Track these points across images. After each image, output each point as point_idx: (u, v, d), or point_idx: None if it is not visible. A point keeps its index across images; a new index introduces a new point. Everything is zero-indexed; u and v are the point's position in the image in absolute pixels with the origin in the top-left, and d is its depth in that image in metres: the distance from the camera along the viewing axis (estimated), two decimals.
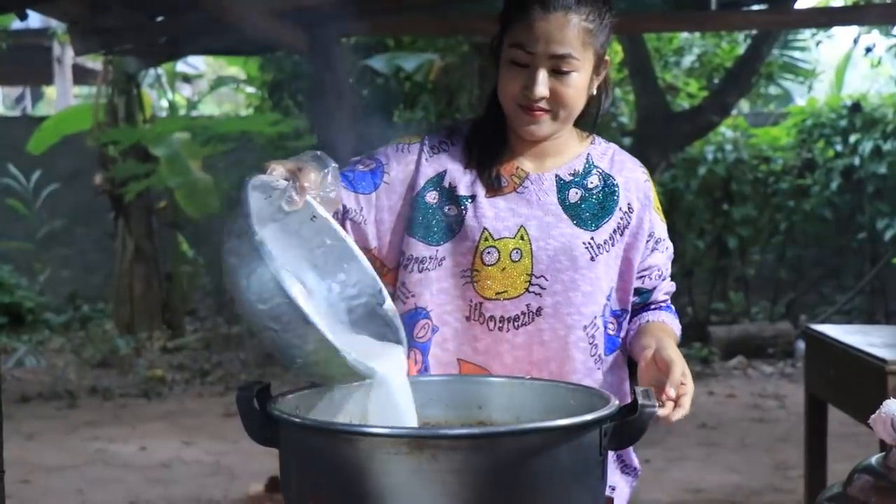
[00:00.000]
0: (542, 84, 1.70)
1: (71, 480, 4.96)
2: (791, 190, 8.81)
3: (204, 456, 5.37)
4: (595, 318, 1.77)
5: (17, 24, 8.85)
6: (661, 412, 1.49)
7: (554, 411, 1.47)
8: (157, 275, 8.70)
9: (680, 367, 1.61)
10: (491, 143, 1.80)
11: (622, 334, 1.84)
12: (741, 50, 8.29)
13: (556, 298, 1.75)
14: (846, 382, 3.56)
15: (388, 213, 1.78)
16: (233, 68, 10.96)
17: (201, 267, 9.46)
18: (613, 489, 1.82)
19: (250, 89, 9.63)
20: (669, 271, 1.90)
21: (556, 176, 1.80)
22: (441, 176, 1.79)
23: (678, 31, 8.14)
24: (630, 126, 8.41)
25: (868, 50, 7.97)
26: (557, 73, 1.70)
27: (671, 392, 1.55)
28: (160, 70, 9.15)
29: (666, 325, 1.84)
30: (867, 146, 8.50)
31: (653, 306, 1.89)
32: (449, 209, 1.77)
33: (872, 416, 1.31)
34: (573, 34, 1.70)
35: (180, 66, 10.71)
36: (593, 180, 1.81)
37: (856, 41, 8.59)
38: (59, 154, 9.10)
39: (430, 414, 1.55)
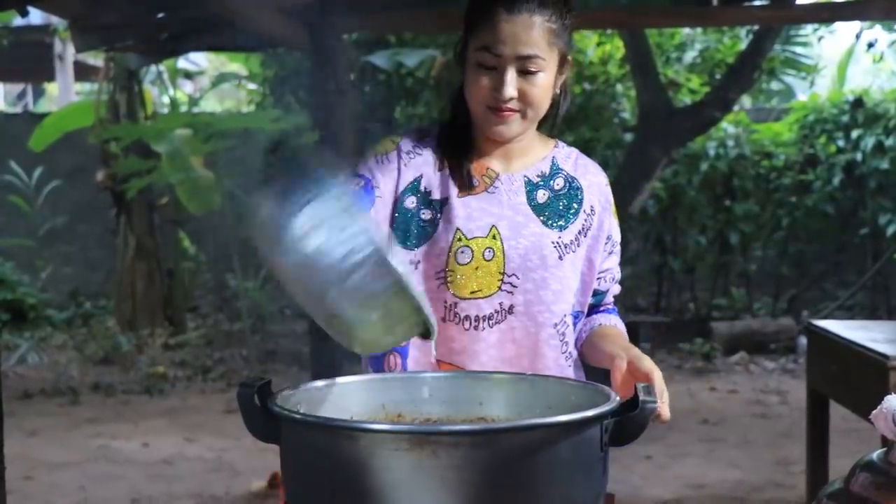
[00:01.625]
0: (511, 85, 1.73)
1: (73, 477, 4.97)
2: (793, 185, 8.81)
3: (206, 452, 5.38)
4: (565, 316, 1.82)
5: (18, 21, 8.85)
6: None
7: (555, 407, 1.47)
8: (158, 271, 8.70)
9: (660, 376, 1.67)
10: (461, 144, 1.83)
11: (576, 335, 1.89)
12: (743, 45, 8.28)
13: (528, 297, 1.78)
14: (848, 378, 3.56)
15: (384, 225, 1.80)
16: (234, 65, 10.96)
17: (203, 264, 9.48)
18: None
19: (252, 86, 9.63)
20: (619, 275, 1.95)
21: (525, 177, 1.85)
22: (418, 180, 1.81)
23: (680, 26, 8.12)
24: (632, 122, 8.41)
25: (870, 45, 7.95)
26: (524, 73, 1.74)
27: (661, 404, 1.61)
28: (161, 67, 9.15)
29: (618, 329, 1.90)
30: (869, 142, 8.49)
31: (601, 308, 1.94)
32: (424, 213, 1.80)
33: (874, 411, 1.31)
34: (538, 35, 1.72)
35: (181, 63, 10.71)
36: (559, 182, 1.86)
37: (858, 36, 8.58)
38: (60, 151, 9.11)
39: (431, 410, 1.55)
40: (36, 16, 9.52)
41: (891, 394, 1.33)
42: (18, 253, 9.54)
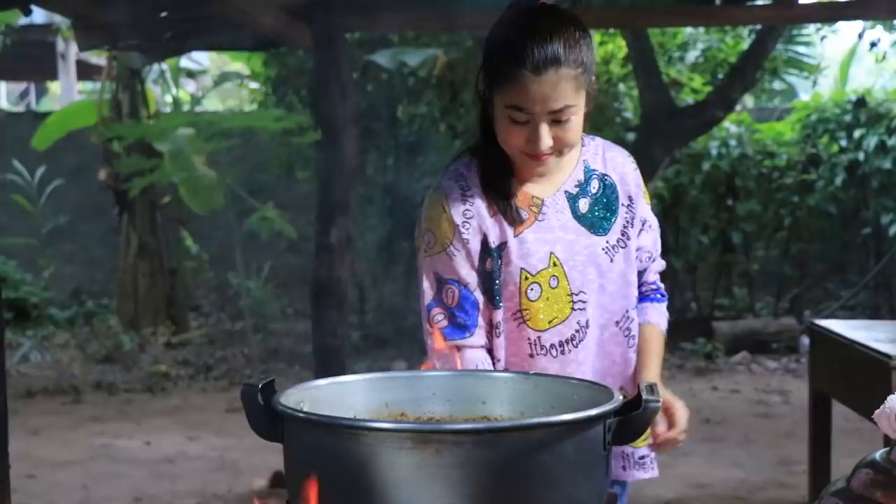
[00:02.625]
0: (546, 138, 1.76)
1: (76, 475, 4.97)
2: (795, 185, 8.80)
3: (208, 451, 5.38)
4: (627, 311, 1.88)
5: (21, 20, 8.85)
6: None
7: (558, 406, 1.47)
8: (161, 270, 8.71)
9: (683, 413, 1.81)
10: (502, 182, 1.85)
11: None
12: (746, 45, 8.27)
13: (595, 306, 1.85)
14: (850, 378, 3.56)
15: (485, 305, 1.84)
16: (237, 64, 10.96)
17: (205, 262, 9.48)
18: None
19: (254, 85, 9.63)
20: (659, 251, 1.99)
21: (565, 192, 1.87)
22: (485, 240, 1.83)
23: (682, 25, 8.11)
24: (634, 121, 8.40)
25: (873, 45, 7.95)
26: (558, 122, 1.75)
27: (678, 436, 1.80)
28: (164, 66, 9.16)
29: (658, 330, 1.95)
30: (872, 141, 8.48)
31: (646, 292, 1.99)
32: (489, 264, 1.83)
33: (877, 411, 1.31)
34: (566, 87, 1.73)
35: (184, 62, 10.71)
36: (595, 185, 1.89)
37: (860, 36, 8.56)
38: (63, 150, 9.11)
39: (434, 409, 1.55)
40: (39, 15, 9.53)
41: (893, 393, 1.33)
42: (21, 252, 9.54)
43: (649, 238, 1.95)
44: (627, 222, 1.89)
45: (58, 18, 9.66)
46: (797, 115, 9.12)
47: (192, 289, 9.46)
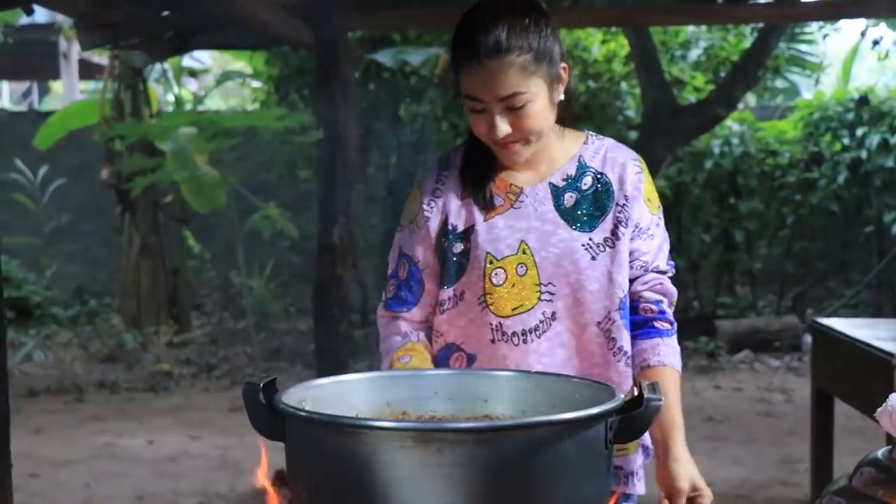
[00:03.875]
0: (501, 125, 1.76)
1: (78, 474, 4.98)
2: (798, 183, 8.79)
3: (211, 450, 5.38)
4: (609, 313, 1.82)
5: (23, 19, 8.86)
6: None
7: (559, 405, 1.47)
8: (163, 269, 8.72)
9: (685, 486, 1.79)
10: (481, 167, 1.86)
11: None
12: (748, 43, 8.26)
13: (567, 301, 1.81)
14: (853, 376, 3.56)
15: (433, 283, 1.87)
16: (239, 63, 10.97)
17: (207, 261, 9.48)
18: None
19: (256, 84, 9.63)
20: (658, 262, 1.88)
21: (550, 184, 1.86)
22: (445, 221, 1.86)
23: (685, 24, 8.11)
24: (636, 120, 8.39)
25: (875, 43, 7.93)
26: (512, 109, 1.75)
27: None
28: (166, 65, 9.15)
29: (673, 378, 1.82)
30: (874, 139, 8.48)
31: (647, 314, 1.86)
32: (457, 246, 1.84)
33: (879, 409, 1.31)
34: (513, 73, 1.73)
35: (186, 61, 10.71)
36: (587, 181, 1.87)
37: (863, 34, 8.54)
38: (65, 149, 9.12)
39: (436, 408, 1.55)
40: (41, 14, 9.53)
41: (895, 392, 1.33)
42: (24, 251, 9.55)
43: (645, 246, 1.86)
44: (619, 223, 1.84)
45: (60, 18, 9.67)
46: (799, 113, 9.12)
47: (195, 288, 9.47)
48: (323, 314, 5.54)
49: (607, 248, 1.83)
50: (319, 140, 5.87)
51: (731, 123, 8.71)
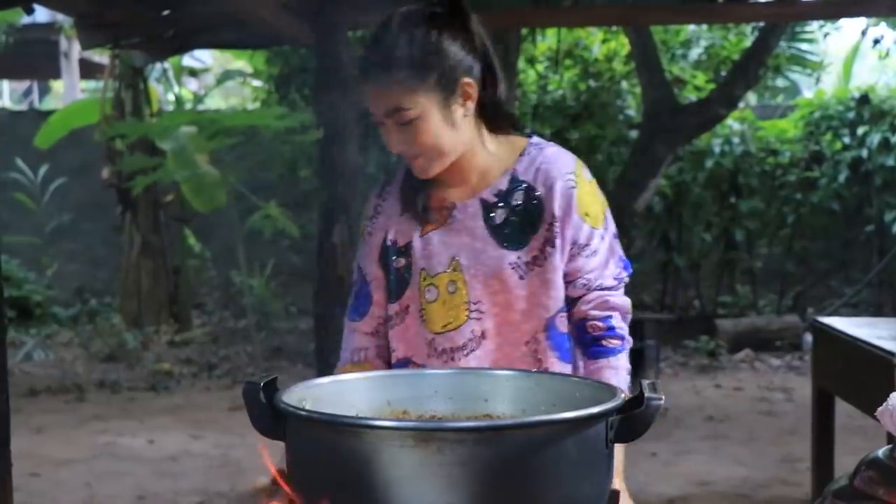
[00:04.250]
0: (394, 140, 1.76)
1: (79, 473, 4.98)
2: (799, 182, 8.79)
3: (211, 449, 5.39)
4: (536, 334, 1.79)
5: (24, 19, 8.86)
6: None
7: (560, 404, 1.47)
8: (164, 269, 8.72)
9: None
10: (417, 183, 1.85)
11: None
12: (748, 42, 8.26)
13: (496, 320, 1.79)
14: (854, 375, 3.56)
15: (381, 295, 1.89)
16: (239, 62, 10.97)
17: (208, 261, 9.49)
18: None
19: (257, 83, 9.64)
20: (602, 280, 1.81)
21: (481, 199, 1.83)
22: (385, 238, 1.86)
23: (685, 23, 8.11)
24: (637, 119, 8.40)
25: (876, 42, 7.93)
26: (403, 124, 1.73)
27: None
28: (167, 64, 9.16)
29: None
30: (875, 138, 8.48)
31: (595, 333, 1.80)
32: (398, 262, 1.84)
33: (879, 408, 1.30)
34: (395, 90, 1.72)
35: (187, 60, 10.72)
36: (518, 197, 1.81)
37: (864, 33, 8.54)
38: (66, 148, 9.12)
39: (436, 407, 1.55)
40: (42, 13, 9.54)
41: None
42: (24, 250, 9.55)
43: (588, 264, 1.79)
44: (548, 242, 1.77)
45: (60, 17, 9.67)
46: (800, 112, 9.12)
47: (195, 287, 9.47)
48: (324, 313, 5.54)
49: (535, 268, 1.78)
50: (320, 139, 5.86)
51: (732, 122, 8.71)
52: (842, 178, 8.62)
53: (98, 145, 8.63)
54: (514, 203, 1.80)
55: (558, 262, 1.78)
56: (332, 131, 5.46)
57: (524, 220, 1.80)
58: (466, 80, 1.75)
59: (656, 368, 6.68)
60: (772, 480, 4.75)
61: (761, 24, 7.49)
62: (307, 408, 1.38)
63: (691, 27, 8.71)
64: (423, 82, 1.71)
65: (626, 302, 1.83)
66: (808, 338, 7.04)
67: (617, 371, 1.78)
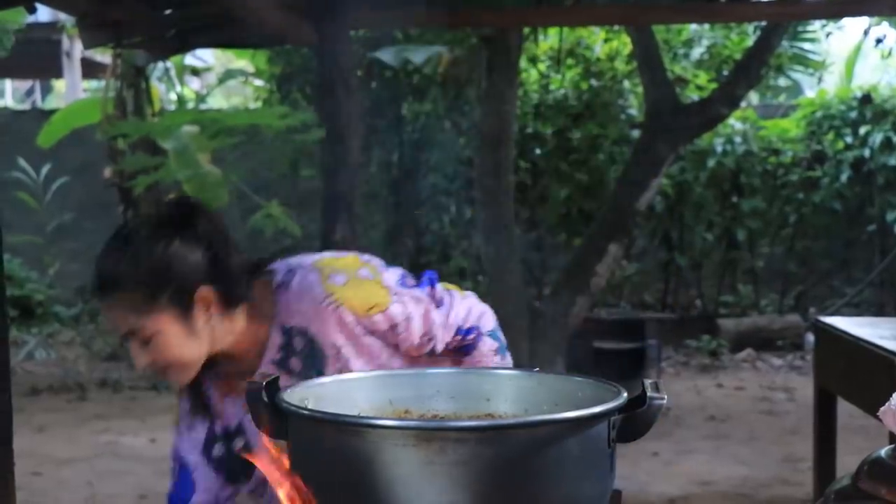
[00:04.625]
0: (138, 357, 1.72)
1: (81, 472, 4.98)
2: (801, 182, 8.79)
3: None
4: None
5: (26, 18, 8.86)
6: None
7: (562, 404, 1.47)
8: None
9: None
10: (194, 387, 1.84)
11: None
12: (751, 41, 8.25)
13: None
14: (856, 375, 3.55)
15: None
16: (241, 61, 10.97)
17: None
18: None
19: (259, 82, 9.64)
20: (443, 333, 1.81)
21: (272, 361, 1.79)
22: (211, 427, 1.87)
23: (687, 22, 8.11)
24: (639, 118, 8.39)
25: (878, 41, 7.92)
26: (144, 343, 1.70)
27: None
28: (169, 63, 9.16)
29: None
30: (877, 138, 8.47)
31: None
32: (235, 444, 1.83)
33: (881, 408, 1.30)
34: (124, 314, 1.69)
35: (189, 60, 10.71)
36: (298, 343, 1.79)
37: (866, 32, 8.55)
38: (68, 147, 9.13)
39: (438, 406, 1.55)
40: (44, 13, 9.54)
41: None
42: (26, 249, 9.56)
43: (413, 332, 1.78)
44: (344, 368, 1.76)
45: (63, 16, 9.67)
46: (802, 111, 9.11)
47: None
48: None
49: None
50: (321, 138, 5.87)
51: (734, 122, 8.70)
52: (844, 177, 8.61)
53: (100, 144, 8.63)
54: (299, 349, 1.79)
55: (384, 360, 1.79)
56: (334, 130, 5.46)
57: (316, 360, 1.78)
58: (202, 288, 1.70)
59: (658, 368, 6.68)
60: (773, 480, 4.75)
61: (763, 23, 7.48)
62: (309, 407, 1.38)
63: (693, 26, 8.70)
64: (155, 303, 1.67)
65: (473, 312, 1.85)
66: (810, 337, 7.04)
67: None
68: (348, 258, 1.84)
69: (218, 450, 1.83)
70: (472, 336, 1.85)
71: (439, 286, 1.86)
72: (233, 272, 1.73)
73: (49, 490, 4.71)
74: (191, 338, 1.70)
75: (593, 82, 8.51)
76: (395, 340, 1.79)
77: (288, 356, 1.79)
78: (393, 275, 1.83)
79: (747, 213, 8.69)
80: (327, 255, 1.84)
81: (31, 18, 5.91)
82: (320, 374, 1.76)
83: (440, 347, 1.82)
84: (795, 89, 11.06)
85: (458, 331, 1.83)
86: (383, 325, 1.78)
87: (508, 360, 1.86)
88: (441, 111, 8.36)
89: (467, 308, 1.85)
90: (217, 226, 1.74)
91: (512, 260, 6.44)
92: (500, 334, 1.89)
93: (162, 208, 1.76)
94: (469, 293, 1.91)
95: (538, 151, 8.43)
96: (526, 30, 7.42)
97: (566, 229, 8.51)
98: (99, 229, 9.89)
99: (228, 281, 1.72)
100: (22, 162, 9.83)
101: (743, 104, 8.50)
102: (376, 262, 1.86)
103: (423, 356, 1.82)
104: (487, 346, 1.85)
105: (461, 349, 1.85)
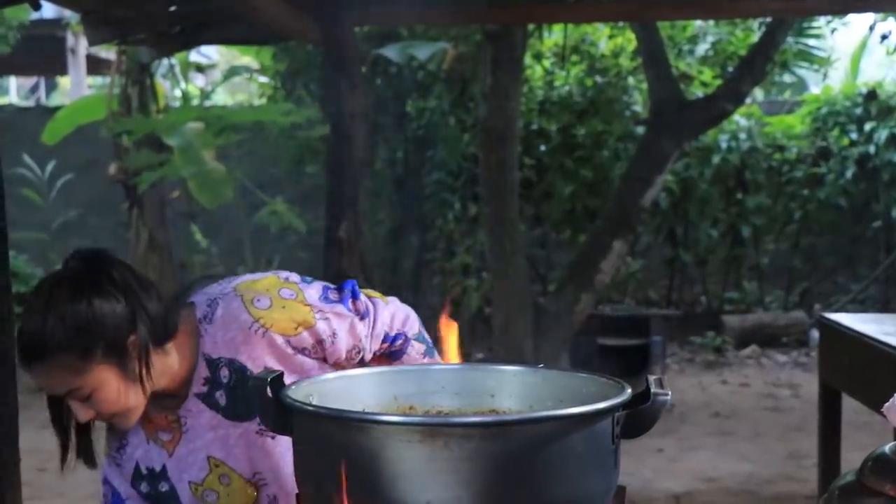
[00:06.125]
0: (80, 412, 1.71)
1: (86, 469, 4.99)
2: (805, 178, 8.78)
3: None
4: None
5: (31, 15, 8.87)
6: None
7: (566, 400, 1.47)
8: (170, 264, 8.72)
9: None
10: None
11: None
12: (755, 38, 8.24)
13: (279, 480, 1.80)
14: (860, 371, 3.55)
15: None
16: (246, 58, 10.96)
17: (214, 256, 9.50)
18: None
19: (263, 79, 9.64)
20: (370, 343, 1.83)
21: (196, 394, 1.79)
22: (137, 466, 1.86)
23: (692, 18, 8.09)
24: (643, 115, 8.38)
25: (884, 37, 7.90)
26: (86, 399, 1.69)
27: None
28: (173, 60, 9.16)
29: None
30: (882, 134, 8.46)
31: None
32: (162, 486, 1.83)
33: (886, 404, 1.30)
34: (59, 377, 1.67)
35: (193, 56, 10.72)
36: (224, 373, 1.78)
37: (871, 28, 8.52)
38: (73, 144, 9.14)
39: (443, 402, 1.55)
40: (48, 9, 9.56)
41: None
42: (32, 246, 9.57)
43: (339, 347, 1.78)
44: None
45: (67, 13, 9.69)
46: (807, 108, 9.10)
47: None
48: None
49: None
50: (326, 135, 5.87)
51: (739, 118, 8.69)
52: (849, 174, 8.60)
53: (105, 141, 8.64)
54: (225, 380, 1.77)
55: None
56: (339, 127, 5.47)
57: (242, 390, 1.76)
58: (132, 338, 1.68)
59: (662, 364, 6.68)
60: (778, 476, 4.75)
61: (768, 19, 7.47)
62: (314, 403, 1.38)
63: (698, 23, 8.69)
64: (91, 360, 1.65)
65: (398, 318, 1.87)
66: (815, 334, 7.03)
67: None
68: (267, 279, 1.84)
69: (145, 487, 1.85)
70: (399, 342, 1.87)
71: (362, 296, 1.86)
72: (156, 313, 1.71)
73: (54, 486, 4.72)
74: (131, 385, 1.70)
75: (598, 79, 8.50)
76: (323, 354, 1.79)
77: (213, 390, 1.78)
78: (315, 290, 1.82)
79: (752, 209, 8.68)
80: (246, 279, 1.83)
81: (35, 15, 5.92)
82: (248, 406, 1.75)
83: (368, 357, 1.85)
84: (800, 86, 11.04)
85: (386, 338, 1.85)
86: (310, 341, 1.77)
87: (437, 359, 1.87)
88: (445, 107, 8.35)
89: (391, 315, 1.87)
90: (130, 270, 1.73)
91: (516, 256, 6.44)
92: (426, 335, 1.92)
93: (73, 263, 1.72)
94: (392, 298, 1.92)
95: (543, 148, 8.43)
96: (531, 26, 7.42)
97: (571, 226, 8.50)
98: (104, 226, 9.95)
99: (154, 322, 1.70)
100: (27, 159, 9.85)
101: (748, 100, 8.49)
102: (295, 278, 1.86)
103: (353, 364, 1.83)
104: (416, 349, 1.89)
105: (390, 354, 1.88)
